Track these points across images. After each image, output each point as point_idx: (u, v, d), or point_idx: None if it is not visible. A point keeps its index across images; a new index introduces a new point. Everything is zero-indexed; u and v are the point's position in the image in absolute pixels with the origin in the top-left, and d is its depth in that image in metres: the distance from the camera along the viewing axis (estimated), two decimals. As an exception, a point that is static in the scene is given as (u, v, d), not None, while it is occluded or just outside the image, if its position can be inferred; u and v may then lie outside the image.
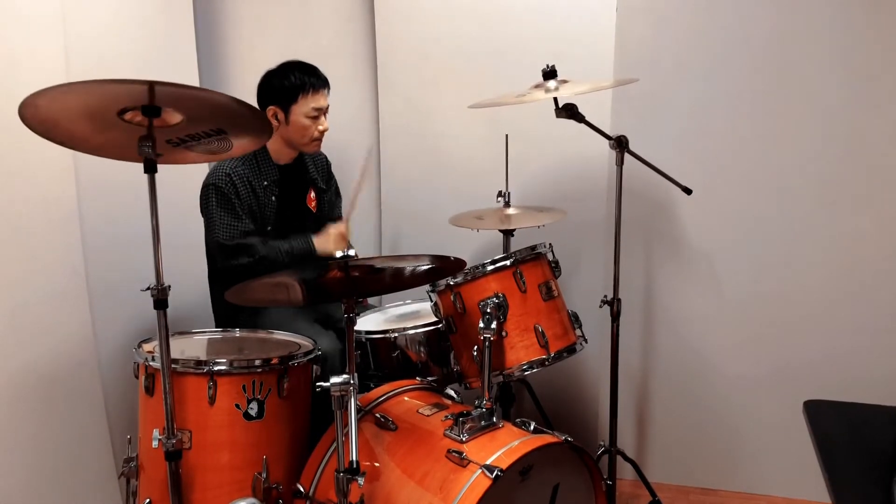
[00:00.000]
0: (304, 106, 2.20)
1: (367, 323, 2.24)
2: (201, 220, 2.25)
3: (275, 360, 1.76)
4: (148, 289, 1.55)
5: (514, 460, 1.56)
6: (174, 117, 1.50)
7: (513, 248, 2.23)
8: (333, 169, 2.55)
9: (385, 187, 2.82)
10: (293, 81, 2.20)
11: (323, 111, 2.25)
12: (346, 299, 1.57)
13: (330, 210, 2.53)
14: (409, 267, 1.68)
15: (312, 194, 2.42)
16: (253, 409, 1.72)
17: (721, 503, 2.55)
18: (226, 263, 2.18)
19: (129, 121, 1.47)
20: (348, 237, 2.28)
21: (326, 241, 2.26)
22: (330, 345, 2.08)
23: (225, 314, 2.30)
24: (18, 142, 1.78)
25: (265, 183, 2.25)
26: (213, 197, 2.17)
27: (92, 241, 2.08)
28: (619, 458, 2.25)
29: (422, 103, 2.72)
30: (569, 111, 2.05)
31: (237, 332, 2.08)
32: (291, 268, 2.16)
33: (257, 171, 2.25)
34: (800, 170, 2.37)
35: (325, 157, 2.52)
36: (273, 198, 2.28)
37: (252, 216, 2.22)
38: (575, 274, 2.56)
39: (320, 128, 2.25)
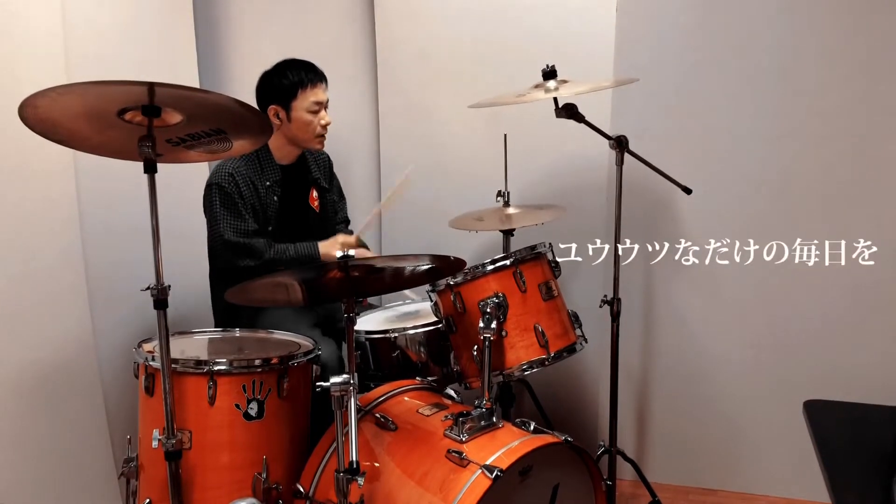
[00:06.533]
0: (304, 101, 2.22)
1: (367, 323, 2.24)
2: (202, 219, 2.25)
3: (275, 360, 1.75)
4: (148, 289, 1.55)
5: (514, 460, 1.55)
6: (174, 117, 1.50)
7: (513, 248, 2.23)
8: (334, 169, 2.55)
9: (385, 187, 2.81)
10: (291, 78, 2.21)
11: (323, 105, 2.26)
12: (346, 299, 1.57)
13: (332, 211, 2.52)
14: (409, 267, 1.68)
15: (315, 194, 2.43)
16: (253, 409, 1.72)
17: (721, 503, 2.55)
18: (228, 264, 2.18)
19: (129, 121, 1.47)
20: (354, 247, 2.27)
21: (331, 248, 2.27)
22: (329, 352, 2.07)
23: (225, 315, 2.30)
24: (18, 142, 1.78)
25: (267, 183, 2.25)
26: (216, 196, 2.17)
27: (92, 241, 2.08)
28: (619, 458, 2.25)
29: (422, 103, 2.71)
30: (569, 111, 2.05)
31: (237, 332, 2.07)
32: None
33: (259, 170, 2.25)
34: (800, 169, 2.37)
35: (328, 156, 2.52)
36: (275, 197, 2.28)
37: (255, 215, 2.22)
38: (575, 274, 2.56)
39: (322, 122, 2.26)
